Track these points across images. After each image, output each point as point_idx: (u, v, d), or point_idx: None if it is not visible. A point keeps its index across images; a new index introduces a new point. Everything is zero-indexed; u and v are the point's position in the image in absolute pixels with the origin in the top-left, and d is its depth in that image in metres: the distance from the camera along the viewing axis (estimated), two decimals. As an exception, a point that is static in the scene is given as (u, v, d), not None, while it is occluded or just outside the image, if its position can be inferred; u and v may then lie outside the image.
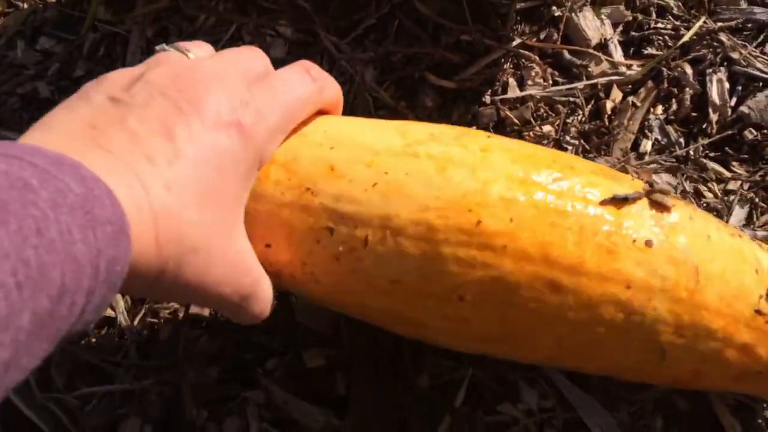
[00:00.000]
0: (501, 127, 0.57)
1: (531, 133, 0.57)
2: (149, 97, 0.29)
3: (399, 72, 0.60)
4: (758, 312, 0.36)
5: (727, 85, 0.57)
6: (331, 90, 0.38)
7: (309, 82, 0.36)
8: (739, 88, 0.57)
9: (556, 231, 0.34)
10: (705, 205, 0.52)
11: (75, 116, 0.28)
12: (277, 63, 0.37)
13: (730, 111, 0.56)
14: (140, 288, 0.30)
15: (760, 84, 0.56)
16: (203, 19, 0.62)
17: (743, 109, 0.55)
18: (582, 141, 0.57)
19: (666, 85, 0.58)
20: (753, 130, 0.55)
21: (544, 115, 0.58)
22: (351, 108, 0.58)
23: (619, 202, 0.35)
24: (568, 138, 0.57)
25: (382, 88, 0.60)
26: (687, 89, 0.57)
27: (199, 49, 0.36)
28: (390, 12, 0.62)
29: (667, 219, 0.36)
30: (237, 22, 0.62)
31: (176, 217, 0.27)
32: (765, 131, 0.55)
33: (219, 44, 0.61)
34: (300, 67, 0.37)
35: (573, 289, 0.34)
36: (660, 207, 0.36)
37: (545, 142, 0.56)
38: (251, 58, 0.35)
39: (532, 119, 0.57)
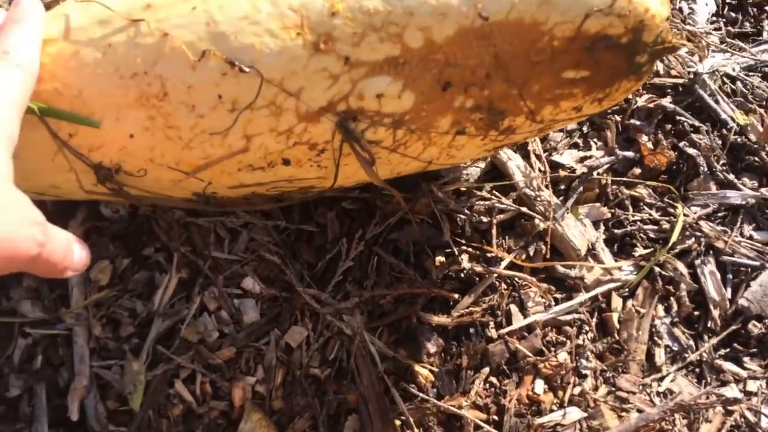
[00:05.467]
0: (514, 361, 0.54)
1: (547, 365, 0.54)
2: None
3: (391, 315, 0.55)
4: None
5: (719, 275, 0.57)
6: None
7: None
8: (730, 276, 0.57)
9: None
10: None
11: None
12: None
13: (728, 303, 0.56)
14: None
15: (749, 271, 0.57)
16: (159, 297, 0.54)
17: (742, 302, 0.56)
18: (598, 362, 0.55)
19: (661, 284, 0.57)
20: (756, 323, 0.56)
21: (554, 340, 0.55)
22: (352, 371, 0.53)
23: None
24: (584, 363, 0.54)
25: (375, 335, 0.54)
26: (682, 286, 0.57)
27: None
28: (365, 249, 0.57)
29: None
30: (198, 291, 0.54)
31: None
32: (767, 321, 0.56)
33: (185, 322, 0.53)
34: None
35: None
36: None
37: (563, 372, 0.54)
38: None
39: (543, 347, 0.54)
